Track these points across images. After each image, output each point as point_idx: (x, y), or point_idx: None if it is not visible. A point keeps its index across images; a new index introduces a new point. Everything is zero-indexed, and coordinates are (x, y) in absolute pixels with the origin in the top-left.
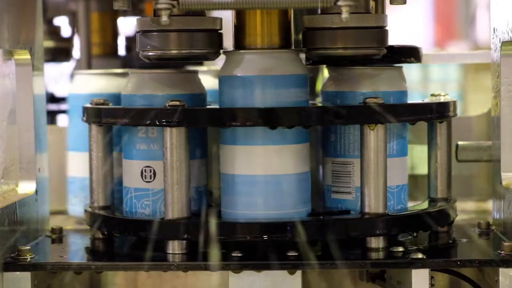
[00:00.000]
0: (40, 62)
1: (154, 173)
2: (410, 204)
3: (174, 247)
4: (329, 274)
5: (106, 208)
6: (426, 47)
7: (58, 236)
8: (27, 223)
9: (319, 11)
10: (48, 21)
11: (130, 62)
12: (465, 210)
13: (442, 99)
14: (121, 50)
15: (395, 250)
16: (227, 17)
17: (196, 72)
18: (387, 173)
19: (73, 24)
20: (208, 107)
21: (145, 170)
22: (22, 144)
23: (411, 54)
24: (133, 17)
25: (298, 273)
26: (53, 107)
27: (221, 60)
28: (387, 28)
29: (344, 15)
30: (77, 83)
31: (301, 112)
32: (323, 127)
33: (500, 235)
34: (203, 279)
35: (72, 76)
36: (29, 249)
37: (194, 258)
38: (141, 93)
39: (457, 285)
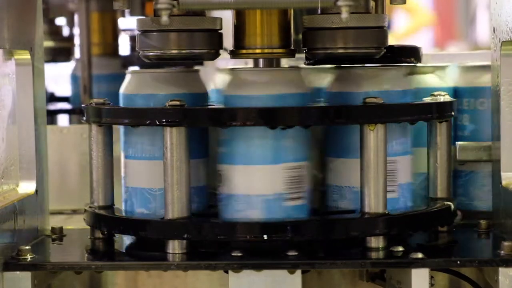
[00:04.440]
0: (40, 62)
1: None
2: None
3: (174, 247)
4: (329, 273)
5: (106, 208)
6: (426, 47)
7: (58, 236)
8: (27, 223)
9: (319, 11)
10: (48, 21)
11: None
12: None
13: (442, 99)
14: (122, 50)
15: (395, 250)
16: (227, 17)
17: (197, 71)
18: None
19: (73, 24)
20: (208, 106)
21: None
22: (22, 144)
23: (411, 54)
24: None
25: (298, 272)
26: (53, 107)
27: (221, 60)
28: (386, 28)
29: (344, 15)
30: None
31: (301, 112)
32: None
33: (500, 235)
34: (203, 279)
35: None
36: (29, 249)
37: (194, 258)
38: (142, 92)
39: (457, 285)
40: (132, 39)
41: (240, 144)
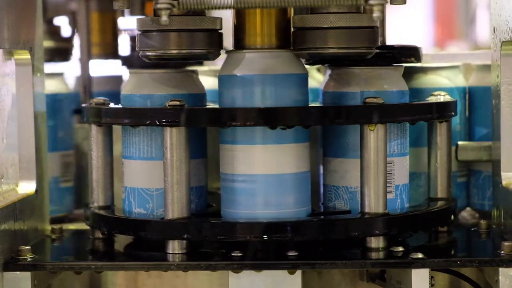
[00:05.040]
0: (40, 62)
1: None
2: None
3: (174, 247)
4: (329, 274)
5: (106, 208)
6: (426, 47)
7: (58, 236)
8: (27, 223)
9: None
10: (48, 21)
11: None
12: (465, 210)
13: (442, 99)
14: (122, 50)
15: (395, 250)
16: (227, 17)
17: (195, 72)
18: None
19: (73, 24)
20: (208, 107)
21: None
22: (22, 144)
23: (411, 54)
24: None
25: (298, 273)
26: None
27: (221, 60)
28: (378, 27)
29: (376, 14)
30: None
31: (301, 112)
32: (323, 127)
33: (500, 235)
34: (203, 279)
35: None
36: (29, 249)
37: (194, 258)
38: (141, 93)
39: (457, 285)
40: (132, 39)
41: None
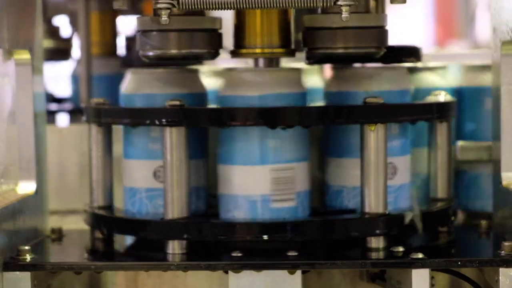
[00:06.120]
0: (40, 62)
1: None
2: None
3: (174, 247)
4: (329, 274)
5: (106, 208)
6: (426, 47)
7: (58, 236)
8: (27, 223)
9: (319, 11)
10: (48, 21)
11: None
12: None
13: (442, 99)
14: (121, 50)
15: (395, 250)
16: (227, 17)
17: (196, 71)
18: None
19: (73, 24)
20: (208, 106)
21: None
22: (22, 144)
23: (411, 54)
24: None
25: (298, 273)
26: (53, 107)
27: (221, 60)
28: (387, 27)
29: (344, 14)
30: None
31: (301, 112)
32: (324, 127)
33: (500, 235)
34: (203, 279)
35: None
36: (29, 249)
37: (194, 258)
38: (141, 92)
39: (457, 285)
40: (132, 38)
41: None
